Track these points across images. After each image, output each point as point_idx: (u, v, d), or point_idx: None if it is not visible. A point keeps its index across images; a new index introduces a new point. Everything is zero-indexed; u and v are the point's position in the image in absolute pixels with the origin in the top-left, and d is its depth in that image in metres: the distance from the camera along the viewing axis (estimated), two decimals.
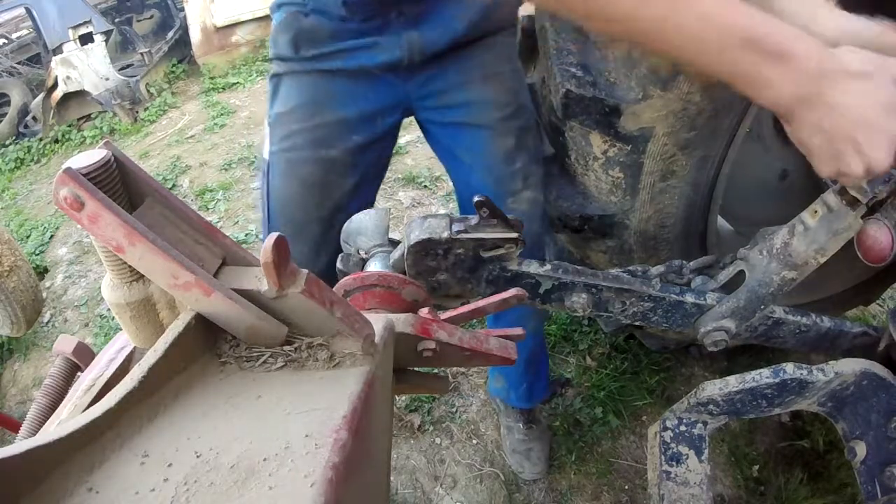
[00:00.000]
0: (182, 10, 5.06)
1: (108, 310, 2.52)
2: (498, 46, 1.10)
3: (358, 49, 1.00)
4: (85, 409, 0.38)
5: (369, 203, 1.18)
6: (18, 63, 5.23)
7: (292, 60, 1.05)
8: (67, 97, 4.33)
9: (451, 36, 1.01)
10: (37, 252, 3.10)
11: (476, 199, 0.78)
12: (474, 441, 1.77)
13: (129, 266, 0.45)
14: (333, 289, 0.56)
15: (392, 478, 1.67)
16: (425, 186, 2.95)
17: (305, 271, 0.43)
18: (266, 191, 1.14)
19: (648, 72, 0.97)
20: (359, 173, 1.12)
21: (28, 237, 3.25)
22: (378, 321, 0.53)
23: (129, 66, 5.07)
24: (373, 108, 1.07)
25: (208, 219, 0.48)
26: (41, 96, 4.49)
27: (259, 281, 0.43)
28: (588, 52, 1.04)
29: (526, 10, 1.22)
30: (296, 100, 1.06)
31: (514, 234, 0.82)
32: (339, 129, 1.07)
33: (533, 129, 1.18)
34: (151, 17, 5.84)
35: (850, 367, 0.89)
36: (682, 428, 0.93)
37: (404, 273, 0.86)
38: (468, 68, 1.06)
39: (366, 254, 0.96)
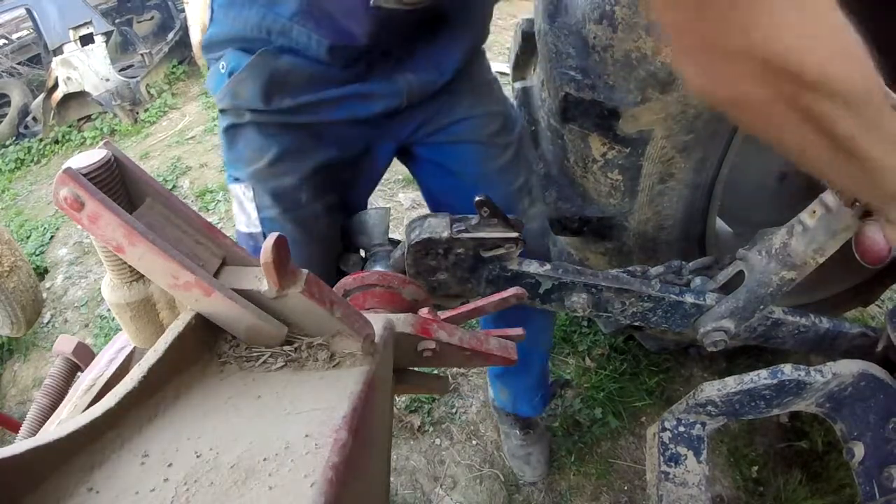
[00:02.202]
0: (182, 11, 5.06)
1: (108, 310, 2.52)
2: (478, 57, 1.05)
3: (348, 98, 0.86)
4: (85, 409, 0.38)
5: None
6: (19, 63, 5.22)
7: (261, 113, 0.86)
8: (68, 98, 4.32)
9: (450, 73, 0.93)
10: (37, 252, 3.09)
11: (476, 198, 0.78)
12: (474, 442, 1.77)
13: (129, 266, 0.45)
14: (333, 289, 0.56)
15: (392, 478, 1.67)
16: None
17: (305, 271, 0.43)
18: None
19: (647, 75, 0.97)
20: None
21: (28, 237, 3.25)
22: (378, 321, 0.53)
23: (129, 66, 5.06)
24: (365, 144, 0.98)
25: (208, 219, 0.48)
26: (41, 97, 4.49)
27: (259, 281, 0.43)
28: (587, 56, 1.05)
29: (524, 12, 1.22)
30: (276, 148, 0.88)
31: (514, 234, 0.83)
32: (341, 170, 0.96)
33: (526, 138, 1.13)
34: (152, 18, 5.82)
35: (849, 368, 0.90)
36: (681, 429, 0.93)
37: (404, 273, 0.86)
38: (457, 83, 0.99)
39: (366, 253, 0.96)
